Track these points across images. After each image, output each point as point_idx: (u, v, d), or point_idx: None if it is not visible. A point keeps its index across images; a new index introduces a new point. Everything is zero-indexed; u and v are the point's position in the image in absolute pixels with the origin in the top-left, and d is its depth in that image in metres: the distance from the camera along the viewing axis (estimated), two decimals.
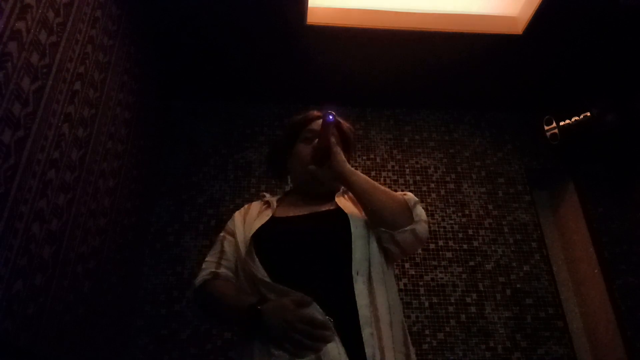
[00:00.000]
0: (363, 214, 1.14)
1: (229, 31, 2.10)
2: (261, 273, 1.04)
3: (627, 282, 2.28)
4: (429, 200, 2.41)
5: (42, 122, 1.19)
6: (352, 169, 1.15)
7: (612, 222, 2.43)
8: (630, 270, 2.31)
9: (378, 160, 2.50)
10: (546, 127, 2.48)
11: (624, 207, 2.48)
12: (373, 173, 2.46)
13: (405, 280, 2.20)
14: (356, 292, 0.99)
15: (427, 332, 2.09)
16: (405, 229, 1.07)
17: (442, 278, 2.22)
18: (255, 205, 1.28)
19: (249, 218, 1.21)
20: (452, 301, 2.17)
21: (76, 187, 1.40)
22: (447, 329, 2.11)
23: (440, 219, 2.37)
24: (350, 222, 1.09)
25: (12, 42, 1.05)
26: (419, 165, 2.51)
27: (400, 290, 2.18)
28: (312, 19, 2.05)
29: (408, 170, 2.49)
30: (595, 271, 2.32)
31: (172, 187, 2.34)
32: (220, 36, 2.13)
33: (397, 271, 2.21)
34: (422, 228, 1.09)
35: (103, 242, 1.63)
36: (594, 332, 2.29)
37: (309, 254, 1.05)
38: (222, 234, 1.25)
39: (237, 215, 1.26)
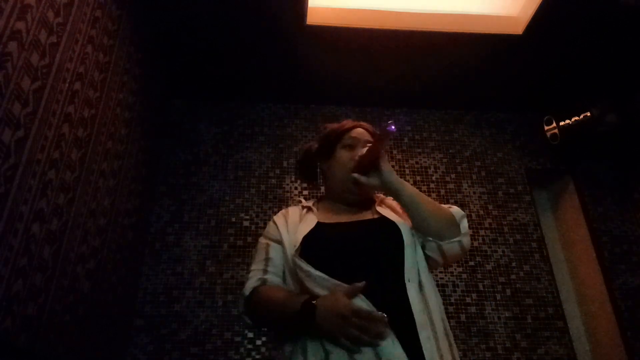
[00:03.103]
0: (407, 222, 1.16)
1: (229, 31, 2.10)
2: (314, 270, 1.03)
3: (627, 282, 2.28)
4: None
5: (42, 122, 1.19)
6: (401, 179, 1.16)
7: (612, 222, 2.43)
8: (630, 270, 2.31)
9: None
10: (546, 127, 2.48)
11: (624, 207, 2.48)
12: None
13: None
14: (410, 298, 1.01)
15: None
16: (453, 240, 1.10)
17: (442, 278, 2.22)
18: (294, 210, 1.27)
19: (292, 222, 1.20)
20: (452, 301, 2.17)
21: (76, 187, 1.40)
22: None
23: None
24: (401, 230, 1.11)
25: (12, 42, 1.05)
26: (419, 165, 2.51)
27: None
28: (312, 19, 2.05)
29: (408, 170, 2.49)
30: (595, 271, 2.32)
31: (172, 187, 2.34)
32: (220, 36, 2.13)
33: None
34: (467, 241, 1.13)
35: (103, 242, 1.63)
36: (594, 332, 2.29)
37: (362, 260, 1.06)
38: (264, 241, 1.22)
39: (278, 220, 1.24)
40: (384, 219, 1.16)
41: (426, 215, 1.11)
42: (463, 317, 2.14)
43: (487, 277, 2.24)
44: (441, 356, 0.95)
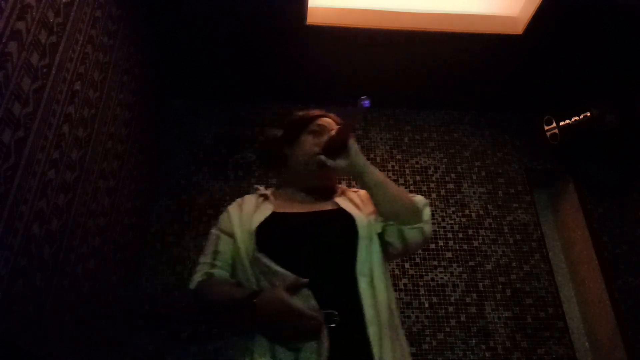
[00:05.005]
0: (366, 214, 1.14)
1: (229, 31, 2.10)
2: (277, 266, 1.02)
3: (627, 282, 2.28)
4: (429, 200, 2.41)
5: (42, 122, 1.19)
6: (368, 161, 1.14)
7: (612, 222, 2.43)
8: (630, 270, 2.31)
9: (378, 160, 2.50)
10: (546, 127, 2.48)
11: (624, 207, 2.48)
12: None
13: (405, 280, 2.20)
14: (360, 292, 1.01)
15: (427, 332, 2.09)
16: (415, 226, 1.10)
17: (442, 278, 2.22)
18: (250, 199, 1.24)
19: (246, 212, 1.18)
20: (452, 301, 2.17)
21: (76, 187, 1.40)
22: (447, 329, 2.11)
23: (440, 219, 2.37)
24: (357, 223, 1.10)
25: (12, 42, 1.05)
26: (419, 165, 2.51)
27: (400, 290, 2.18)
28: (312, 19, 2.05)
29: (408, 170, 2.49)
30: (595, 271, 2.32)
31: (172, 187, 2.34)
32: (220, 36, 2.13)
33: (397, 271, 2.21)
34: (429, 229, 1.13)
35: (103, 242, 1.63)
36: (594, 332, 2.29)
37: (315, 253, 1.05)
38: (215, 232, 1.20)
39: (232, 211, 1.21)
40: (341, 210, 1.15)
41: (390, 198, 1.10)
42: (463, 317, 2.14)
43: (487, 277, 2.24)
44: (381, 349, 0.95)
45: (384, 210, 1.12)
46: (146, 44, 2.04)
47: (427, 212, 1.15)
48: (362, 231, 1.09)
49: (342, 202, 1.19)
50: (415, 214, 1.11)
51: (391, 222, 1.10)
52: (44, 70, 1.19)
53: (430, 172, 2.50)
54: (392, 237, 1.11)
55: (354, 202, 1.20)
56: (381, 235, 1.11)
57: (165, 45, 2.19)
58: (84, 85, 1.43)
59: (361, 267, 1.04)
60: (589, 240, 2.37)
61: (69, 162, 1.35)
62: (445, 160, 2.54)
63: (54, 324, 1.28)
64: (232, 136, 2.50)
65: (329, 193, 1.23)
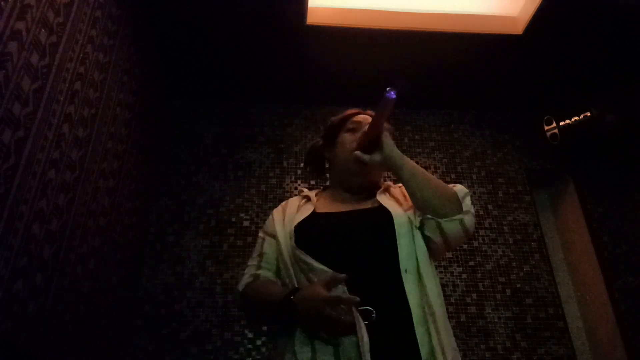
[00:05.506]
0: (406, 210, 1.12)
1: (229, 31, 2.10)
2: (316, 262, 1.02)
3: (627, 282, 2.28)
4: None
5: (42, 122, 1.19)
6: (403, 154, 1.13)
7: (612, 222, 2.43)
8: (630, 270, 2.31)
9: None
10: (546, 127, 2.48)
11: (624, 207, 2.48)
12: None
13: None
14: (407, 291, 0.98)
15: None
16: (454, 218, 1.04)
17: (442, 278, 2.22)
18: (294, 201, 1.25)
19: (289, 213, 1.19)
20: (452, 301, 2.17)
21: (76, 187, 1.40)
22: None
23: None
24: (394, 220, 1.07)
25: (12, 42, 1.05)
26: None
27: None
28: (312, 19, 2.05)
29: None
30: (595, 271, 2.32)
31: (172, 187, 2.34)
32: (220, 36, 2.13)
33: None
34: (470, 219, 1.07)
35: (103, 242, 1.63)
36: (594, 332, 2.29)
37: (354, 251, 1.04)
38: (261, 235, 1.23)
39: (276, 214, 1.23)
40: (380, 208, 1.13)
41: (425, 191, 1.07)
42: (463, 317, 2.14)
43: (487, 277, 2.24)
44: (443, 349, 0.92)
45: (419, 202, 1.08)
46: (146, 44, 2.04)
47: (467, 203, 1.07)
48: (399, 228, 1.06)
49: (383, 199, 1.17)
50: (452, 205, 1.05)
51: (429, 216, 1.06)
52: (44, 70, 1.19)
53: (430, 172, 2.49)
54: (431, 231, 1.06)
55: (395, 197, 1.19)
56: (422, 230, 1.08)
57: (165, 45, 2.19)
58: (84, 85, 1.43)
59: (405, 264, 1.01)
60: (589, 240, 2.37)
61: (69, 162, 1.35)
62: (445, 160, 2.54)
63: (54, 324, 1.28)
64: (232, 136, 2.50)
65: (371, 190, 1.22)
